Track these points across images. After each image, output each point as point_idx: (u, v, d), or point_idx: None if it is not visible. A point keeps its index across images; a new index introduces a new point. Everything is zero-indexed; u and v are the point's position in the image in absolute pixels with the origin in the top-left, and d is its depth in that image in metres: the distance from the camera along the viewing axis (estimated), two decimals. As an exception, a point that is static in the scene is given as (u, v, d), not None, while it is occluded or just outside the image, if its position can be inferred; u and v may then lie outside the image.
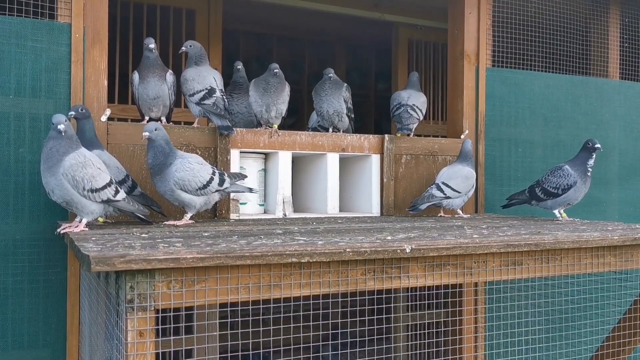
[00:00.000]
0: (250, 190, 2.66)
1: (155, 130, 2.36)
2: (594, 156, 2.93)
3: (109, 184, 2.13)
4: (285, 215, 2.99)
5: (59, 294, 2.57)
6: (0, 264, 2.45)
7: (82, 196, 2.06)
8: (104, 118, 2.64)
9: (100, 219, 2.41)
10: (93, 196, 2.08)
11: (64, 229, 2.10)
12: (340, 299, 2.08)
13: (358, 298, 2.10)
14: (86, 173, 2.05)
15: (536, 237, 2.00)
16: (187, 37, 4.43)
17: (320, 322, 2.17)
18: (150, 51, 2.74)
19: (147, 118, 2.86)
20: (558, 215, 2.98)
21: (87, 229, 2.13)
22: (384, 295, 2.39)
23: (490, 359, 3.32)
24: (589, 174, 2.93)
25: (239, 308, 2.11)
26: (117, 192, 2.17)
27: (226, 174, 2.53)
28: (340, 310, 3.37)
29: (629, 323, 2.59)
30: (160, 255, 1.46)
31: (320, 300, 3.05)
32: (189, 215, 2.46)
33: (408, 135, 3.37)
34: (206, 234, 2.01)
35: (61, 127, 2.01)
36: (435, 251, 1.80)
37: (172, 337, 2.93)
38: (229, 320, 3.38)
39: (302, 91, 6.09)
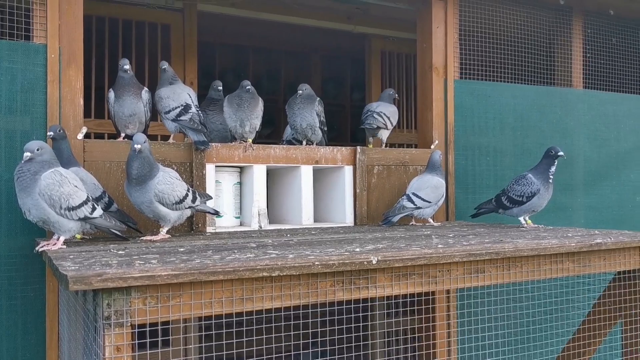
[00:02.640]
0: (216, 212, 2.74)
1: (145, 142, 2.42)
2: (555, 163, 3.05)
3: (85, 202, 2.19)
4: (260, 227, 3.07)
5: (38, 311, 2.60)
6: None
7: (59, 215, 2.12)
8: (80, 136, 2.69)
9: (78, 236, 2.46)
10: (70, 214, 2.14)
11: (42, 247, 2.15)
12: (319, 309, 2.15)
13: (336, 307, 2.17)
14: (63, 192, 2.11)
15: (497, 246, 2.10)
16: (162, 52, 4.50)
17: (301, 332, 2.23)
18: (125, 72, 2.80)
19: (123, 135, 2.92)
20: (523, 222, 3.09)
21: (64, 246, 2.18)
22: (361, 304, 2.46)
23: (463, 363, 3.42)
24: (551, 180, 3.05)
25: (223, 320, 2.16)
26: (94, 209, 2.22)
27: (197, 192, 2.60)
28: (319, 319, 3.44)
29: (591, 325, 2.70)
30: (135, 273, 1.53)
31: (301, 310, 3.11)
32: (164, 229, 2.52)
33: (369, 129, 3.47)
34: (182, 249, 2.08)
35: (27, 156, 2.07)
36: (400, 262, 1.89)
37: (148, 351, 2.98)
38: (213, 331, 3.43)
39: (278, 102, 6.18)
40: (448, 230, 2.84)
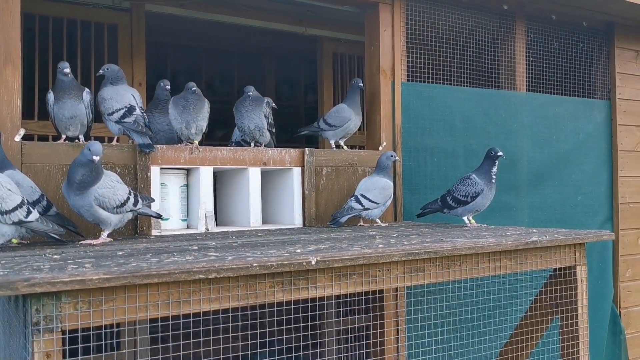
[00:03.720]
0: (159, 216, 2.72)
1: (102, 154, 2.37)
2: (497, 164, 3.13)
3: (20, 205, 2.13)
4: (207, 229, 3.04)
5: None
6: None
7: (-8, 219, 2.06)
8: (17, 138, 2.62)
9: (15, 241, 2.38)
10: (3, 218, 2.08)
11: (-26, 252, 2.09)
12: (275, 308, 2.13)
13: (289, 307, 2.17)
14: (-5, 195, 2.05)
15: (436, 245, 2.14)
16: (109, 52, 4.42)
17: (256, 332, 2.22)
18: (65, 75, 2.74)
19: (63, 136, 2.86)
20: (467, 221, 3.16)
21: (-2, 251, 2.12)
22: (313, 304, 2.46)
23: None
24: (493, 181, 3.13)
25: (175, 321, 2.13)
26: (29, 212, 2.17)
27: (139, 196, 2.57)
28: (276, 319, 3.44)
29: (531, 320, 2.78)
30: (65, 277, 1.50)
31: (257, 310, 3.09)
32: (105, 233, 2.48)
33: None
34: (120, 253, 2.05)
35: None
36: (340, 262, 1.91)
37: (89, 355, 2.92)
38: (158, 334, 3.38)
39: (231, 103, 6.13)
40: (393, 231, 2.87)
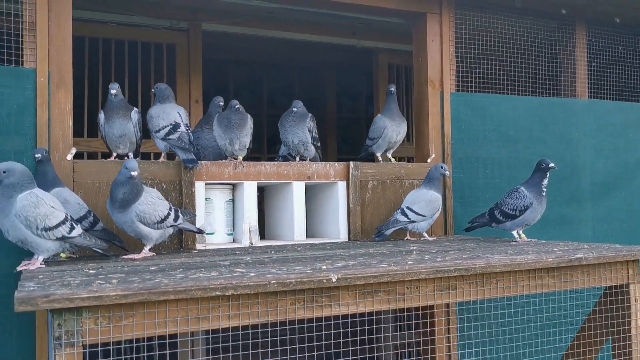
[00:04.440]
0: (200, 231, 2.78)
1: (139, 169, 2.47)
2: (547, 176, 2.99)
3: (63, 222, 2.24)
4: (252, 243, 3.08)
5: (28, 331, 2.66)
6: (-28, 301, 2.56)
7: (36, 235, 2.17)
8: (69, 157, 2.76)
9: (63, 255, 2.51)
10: (47, 234, 2.19)
11: (21, 266, 2.21)
12: (332, 321, 2.12)
13: (349, 320, 2.15)
14: (39, 212, 2.16)
15: (468, 262, 2.07)
16: (168, 71, 4.59)
17: (315, 344, 2.22)
18: (113, 96, 2.86)
19: (114, 154, 2.99)
20: (516, 236, 3.03)
21: (44, 265, 2.23)
22: (373, 317, 2.41)
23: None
24: (544, 194, 2.99)
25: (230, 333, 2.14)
26: (72, 228, 2.27)
27: (179, 211, 2.64)
28: (333, 332, 3.42)
29: (583, 341, 2.62)
30: (84, 293, 1.56)
31: (314, 324, 3.08)
32: (147, 247, 2.56)
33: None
34: (153, 268, 2.11)
35: None
36: (362, 279, 1.88)
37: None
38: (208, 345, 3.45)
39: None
40: (435, 246, 2.80)
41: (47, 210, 2.19)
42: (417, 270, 1.96)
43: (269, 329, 2.10)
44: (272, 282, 1.76)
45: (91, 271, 2.05)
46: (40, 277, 1.92)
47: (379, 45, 5.23)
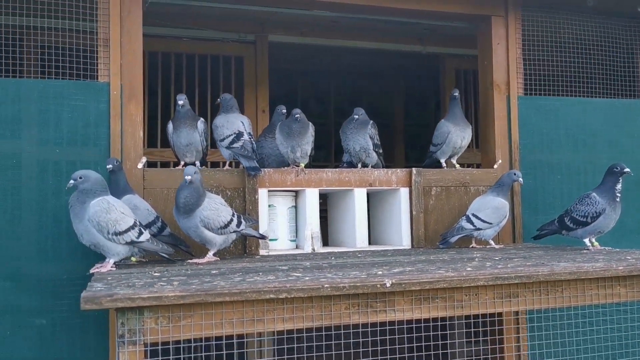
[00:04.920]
0: (263, 237, 2.83)
1: (195, 173, 2.56)
2: (621, 181, 2.85)
3: (132, 227, 2.35)
4: (314, 250, 3.11)
5: (103, 329, 2.80)
6: (50, 302, 2.72)
7: (107, 239, 2.29)
8: (140, 165, 2.90)
9: (134, 259, 2.63)
10: (117, 239, 2.31)
11: (94, 269, 2.34)
12: (397, 326, 2.12)
13: (414, 325, 2.14)
14: (110, 218, 2.28)
15: (530, 269, 2.00)
16: (236, 82, 4.73)
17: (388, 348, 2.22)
18: (180, 107, 2.98)
19: (182, 163, 3.11)
20: (588, 244, 2.90)
21: (114, 268, 2.35)
22: (439, 323, 2.39)
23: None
24: (617, 199, 2.85)
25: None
26: (140, 233, 2.38)
27: (242, 217, 2.70)
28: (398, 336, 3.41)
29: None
30: (144, 294, 1.63)
31: (378, 328, 3.07)
32: (211, 252, 2.64)
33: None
34: (214, 272, 2.18)
35: (70, 183, 2.31)
36: (417, 285, 1.86)
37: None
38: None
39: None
40: (500, 253, 2.73)
41: (117, 215, 2.31)
42: (475, 277, 1.92)
43: (333, 332, 2.11)
44: (326, 286, 1.78)
45: (156, 274, 2.14)
46: (109, 278, 2.02)
47: (445, 50, 5.16)
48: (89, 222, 2.27)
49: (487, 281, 1.93)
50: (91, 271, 2.34)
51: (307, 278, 1.87)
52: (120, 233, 2.32)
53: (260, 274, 2.05)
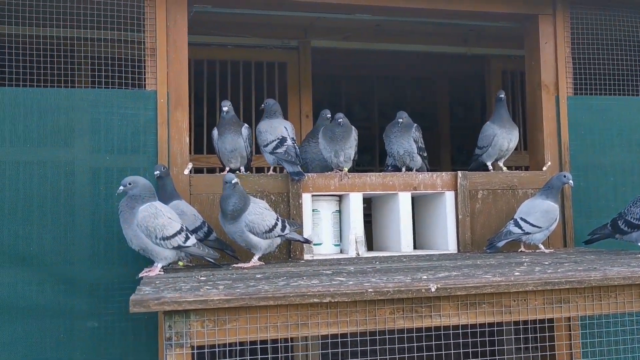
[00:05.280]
0: (307, 241, 2.84)
1: (235, 180, 2.60)
2: (678, 183, 2.74)
3: (179, 232, 2.39)
4: (358, 254, 3.10)
5: (152, 332, 2.86)
6: (101, 306, 2.80)
7: (155, 244, 2.34)
8: (186, 172, 2.95)
9: (181, 263, 2.68)
10: (165, 243, 2.36)
11: (142, 273, 2.39)
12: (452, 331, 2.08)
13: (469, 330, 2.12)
14: (157, 223, 2.33)
15: (581, 274, 1.94)
16: (279, 88, 4.77)
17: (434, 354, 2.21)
18: (225, 113, 3.03)
19: (227, 168, 3.15)
20: (644, 248, 2.80)
21: (162, 272, 2.40)
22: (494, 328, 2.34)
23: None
24: (675, 202, 2.73)
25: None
26: (187, 238, 2.42)
27: (286, 221, 2.72)
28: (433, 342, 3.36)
29: None
30: (190, 297, 1.66)
31: (424, 333, 3.03)
32: (256, 257, 2.67)
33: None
34: (258, 276, 2.19)
35: (120, 189, 2.37)
36: (463, 290, 1.83)
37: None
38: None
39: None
40: (550, 258, 2.65)
41: (164, 221, 2.36)
42: (523, 282, 1.88)
43: (378, 337, 2.10)
44: (370, 290, 1.76)
45: (202, 278, 2.17)
46: (157, 282, 2.06)
47: (491, 51, 5.07)
48: (137, 227, 2.33)
49: (536, 286, 1.88)
50: (140, 275, 2.40)
51: (350, 282, 1.87)
52: (168, 238, 2.36)
53: (304, 278, 2.05)
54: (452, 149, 6.60)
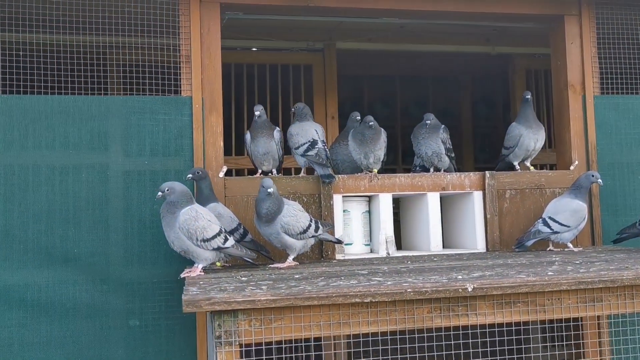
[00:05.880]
0: (339, 241, 2.91)
1: (273, 186, 2.68)
2: None
3: (218, 234, 2.48)
4: (388, 254, 3.17)
5: (190, 330, 2.96)
6: (142, 304, 2.90)
7: (196, 246, 2.43)
8: (221, 174, 3.04)
9: (218, 264, 2.76)
10: (205, 245, 2.45)
11: (184, 274, 2.48)
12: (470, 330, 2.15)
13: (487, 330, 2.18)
14: (198, 225, 2.42)
15: (614, 273, 1.99)
16: (305, 90, 4.85)
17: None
18: (258, 117, 3.11)
19: (259, 171, 3.23)
20: (673, 246, 2.82)
21: (203, 273, 2.49)
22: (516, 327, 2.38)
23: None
24: None
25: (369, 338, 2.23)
26: (226, 240, 2.51)
27: (319, 222, 2.79)
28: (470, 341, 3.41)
29: None
30: (239, 298, 1.74)
31: (451, 332, 3.07)
32: (291, 257, 2.75)
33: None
34: (297, 276, 2.27)
35: (159, 195, 2.47)
36: (499, 289, 1.89)
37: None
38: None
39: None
40: (580, 257, 2.70)
41: (205, 223, 2.45)
42: (557, 281, 1.93)
43: (407, 336, 2.17)
44: (409, 290, 1.83)
45: (243, 278, 2.26)
46: (201, 282, 2.15)
47: (515, 50, 5.09)
48: (179, 230, 2.42)
49: (570, 286, 1.94)
50: (181, 276, 2.49)
51: (389, 283, 1.93)
52: (208, 240, 2.45)
53: (342, 278, 2.13)
54: (475, 148, 6.62)
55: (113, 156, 2.94)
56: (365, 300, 1.81)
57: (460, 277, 2.03)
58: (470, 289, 1.86)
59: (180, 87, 3.06)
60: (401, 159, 6.57)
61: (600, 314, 2.01)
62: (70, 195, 2.88)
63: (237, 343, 1.77)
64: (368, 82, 6.51)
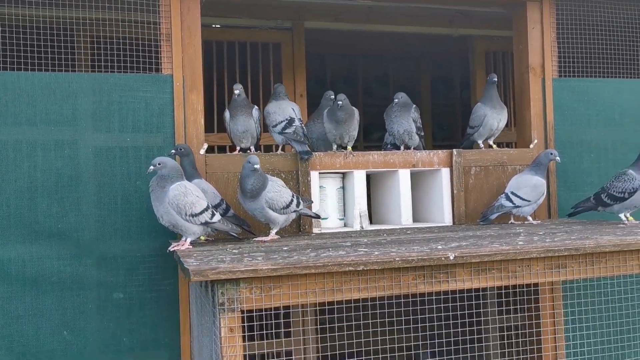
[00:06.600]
0: (317, 216, 3.06)
1: (258, 164, 2.78)
2: (656, 159, 3.02)
3: (206, 209, 2.58)
4: (362, 227, 3.32)
5: (173, 302, 3.05)
6: (127, 277, 2.97)
7: (185, 220, 2.52)
8: (202, 151, 3.12)
9: (202, 237, 2.86)
10: (193, 220, 2.54)
11: (173, 247, 2.57)
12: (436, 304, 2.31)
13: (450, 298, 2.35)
14: (187, 201, 2.51)
15: (577, 242, 2.20)
16: (274, 68, 4.91)
17: (416, 326, 2.45)
18: (237, 95, 3.19)
19: (238, 148, 3.32)
20: (624, 219, 3.08)
21: (191, 246, 2.58)
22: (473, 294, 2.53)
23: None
24: (653, 177, 3.02)
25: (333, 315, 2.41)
26: (213, 215, 2.61)
27: (300, 198, 2.92)
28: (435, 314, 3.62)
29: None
30: (242, 267, 1.86)
31: (410, 299, 3.25)
32: (274, 231, 2.87)
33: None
34: (285, 248, 2.40)
35: (150, 169, 2.55)
36: (477, 257, 2.07)
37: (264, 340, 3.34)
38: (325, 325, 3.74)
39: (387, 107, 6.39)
40: (541, 229, 2.92)
41: (193, 199, 2.53)
42: (528, 250, 2.12)
43: (369, 303, 2.33)
44: (397, 259, 1.99)
45: (235, 251, 2.37)
46: (195, 255, 2.25)
47: (476, 32, 5.28)
48: (168, 205, 2.50)
49: (540, 253, 2.13)
50: (170, 249, 2.58)
51: (376, 252, 2.09)
52: (196, 215, 2.54)
53: (330, 249, 2.27)
54: (433, 126, 6.85)
55: (95, 133, 2.97)
56: (358, 269, 1.95)
57: (440, 247, 2.20)
58: (452, 258, 2.03)
59: (161, 65, 3.10)
60: (362, 137, 6.73)
61: (564, 279, 2.21)
62: (54, 172, 2.90)
63: (239, 309, 1.89)
64: (331, 60, 6.62)
